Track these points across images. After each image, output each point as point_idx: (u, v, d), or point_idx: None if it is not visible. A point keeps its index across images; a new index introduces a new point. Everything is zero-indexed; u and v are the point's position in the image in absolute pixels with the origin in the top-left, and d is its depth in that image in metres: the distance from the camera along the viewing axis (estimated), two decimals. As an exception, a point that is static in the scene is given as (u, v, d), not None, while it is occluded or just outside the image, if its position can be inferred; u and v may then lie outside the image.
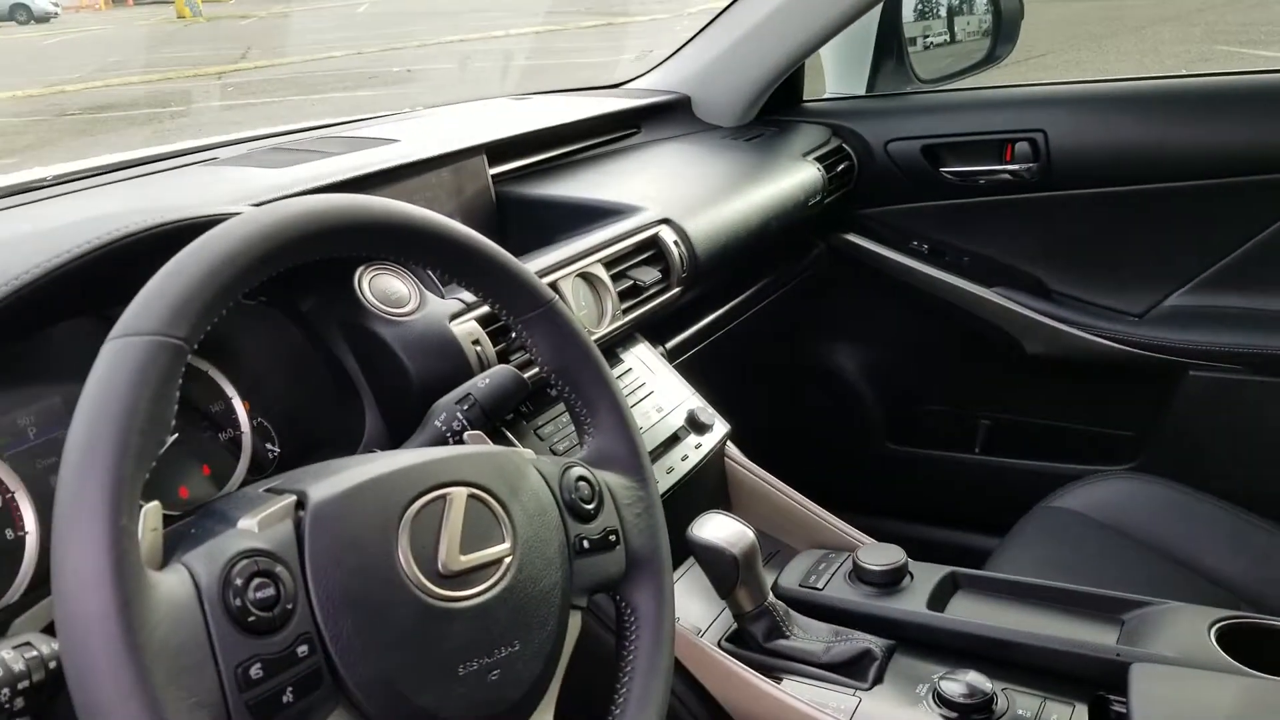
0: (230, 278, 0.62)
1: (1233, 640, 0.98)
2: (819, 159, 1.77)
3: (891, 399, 2.06)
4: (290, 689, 0.58)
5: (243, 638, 0.57)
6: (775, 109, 1.92)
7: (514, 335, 0.93)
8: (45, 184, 1.19)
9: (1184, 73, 1.80)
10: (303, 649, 0.59)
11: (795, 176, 1.69)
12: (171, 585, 0.56)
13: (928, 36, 2.02)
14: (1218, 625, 1.00)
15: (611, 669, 0.80)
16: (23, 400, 0.84)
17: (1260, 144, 1.65)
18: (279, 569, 0.60)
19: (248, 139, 1.42)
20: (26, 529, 0.81)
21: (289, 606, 0.59)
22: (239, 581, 0.58)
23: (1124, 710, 0.92)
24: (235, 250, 0.62)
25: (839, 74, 2.03)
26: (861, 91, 2.02)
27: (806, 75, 1.99)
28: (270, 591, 0.59)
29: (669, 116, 1.84)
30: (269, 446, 0.98)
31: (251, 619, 0.57)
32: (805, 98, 2.01)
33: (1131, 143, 1.73)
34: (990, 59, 1.96)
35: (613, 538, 0.80)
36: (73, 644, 0.53)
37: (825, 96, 2.04)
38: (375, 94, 8.51)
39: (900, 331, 2.02)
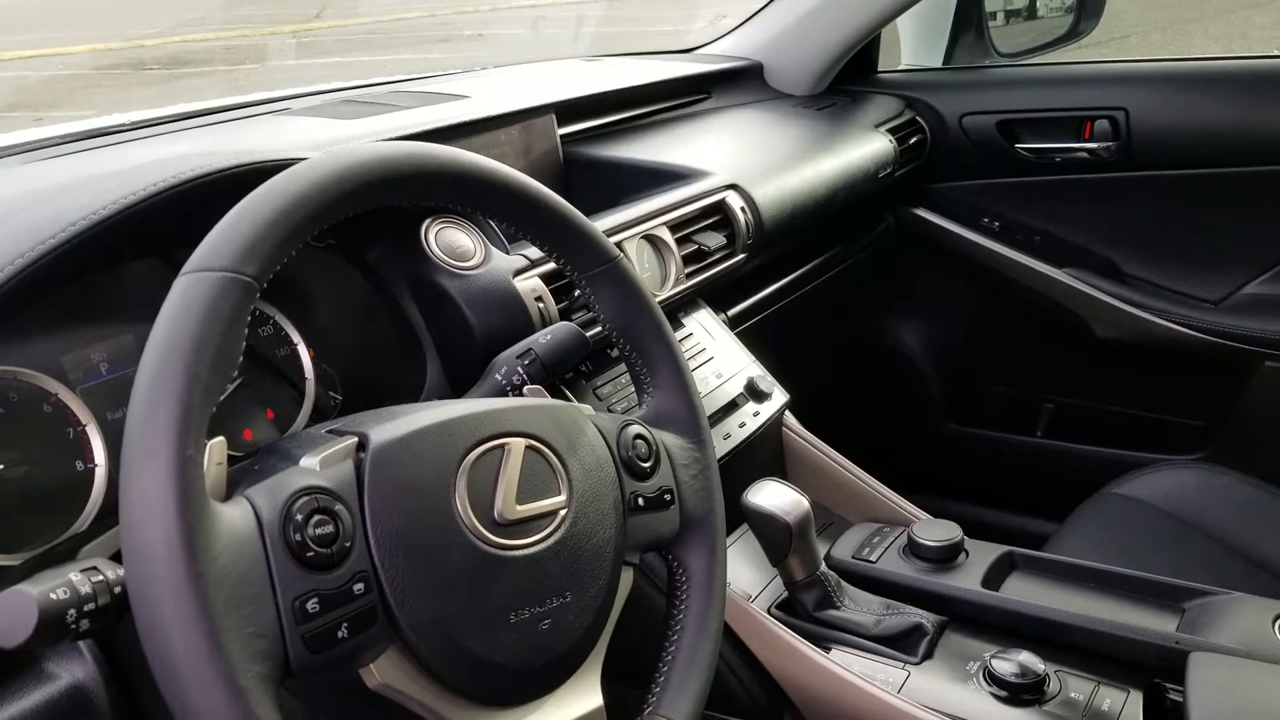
0: (301, 219, 0.62)
1: None
2: (891, 131, 1.74)
3: (954, 378, 2.03)
4: (345, 625, 0.59)
5: (301, 572, 0.58)
6: (849, 79, 1.89)
7: (577, 292, 0.93)
8: (122, 129, 1.21)
9: (1273, 53, 1.73)
10: (359, 587, 0.60)
11: (866, 147, 1.66)
12: (234, 517, 0.57)
13: (1009, 9, 1.97)
14: None
15: (661, 630, 0.80)
16: (96, 337, 0.86)
17: None
18: (338, 507, 0.61)
19: (319, 92, 1.44)
20: (96, 461, 0.83)
21: (347, 545, 0.60)
22: (299, 517, 0.59)
23: (1180, 699, 0.90)
24: (307, 192, 0.63)
25: (916, 45, 2.00)
26: (938, 64, 1.98)
27: (882, 46, 1.96)
28: (329, 529, 0.60)
29: (740, 83, 1.82)
30: (332, 394, 1.00)
31: (310, 554, 0.58)
32: (880, 69, 1.98)
33: (1215, 124, 1.68)
34: (1072, 35, 1.91)
35: (668, 497, 0.80)
36: (137, 568, 0.54)
37: (900, 68, 2.01)
38: (446, 56, 8.54)
39: (966, 310, 1.99)
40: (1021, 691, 0.94)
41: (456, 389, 0.99)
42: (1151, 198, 1.76)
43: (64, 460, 0.82)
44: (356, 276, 1.02)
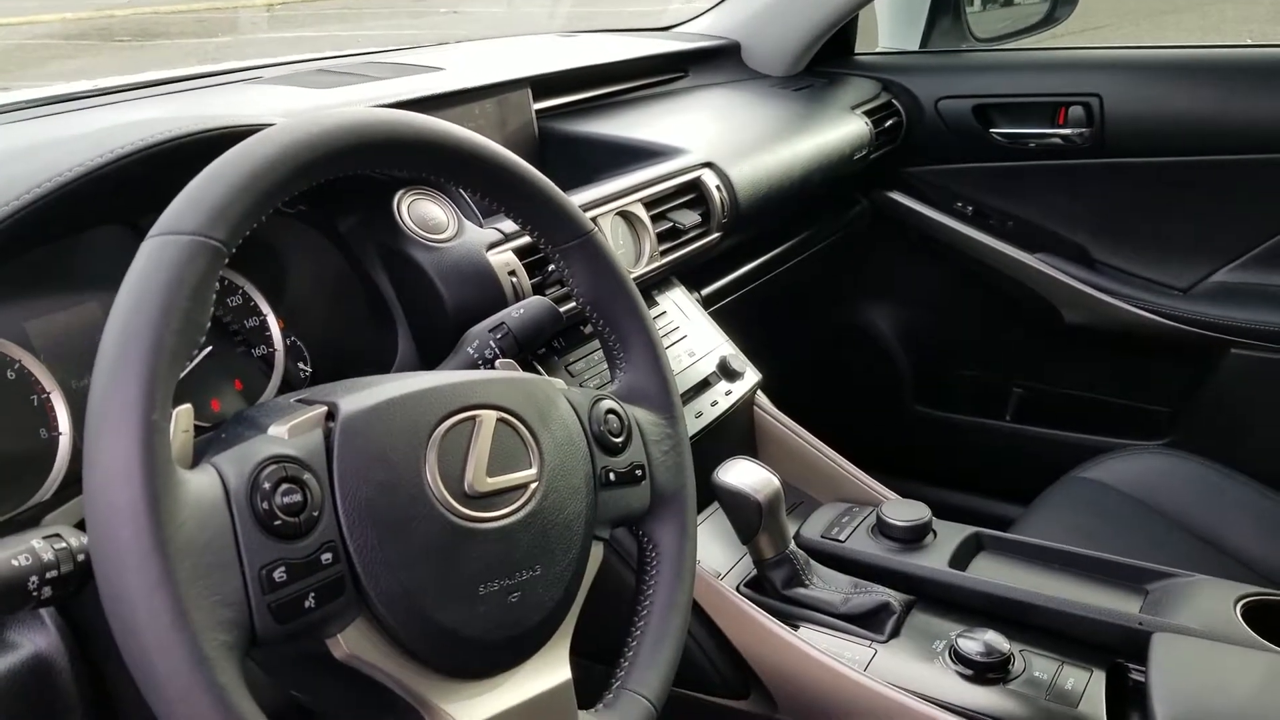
0: (272, 184, 0.61)
1: (1259, 616, 0.97)
2: (867, 113, 1.74)
3: (924, 361, 2.04)
4: (312, 594, 0.59)
5: (268, 541, 0.57)
6: (826, 60, 1.89)
7: (551, 266, 0.92)
8: (88, 95, 1.19)
9: (1247, 43, 1.75)
10: (326, 556, 0.59)
11: (842, 129, 1.66)
12: (200, 484, 0.57)
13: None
14: (1244, 600, 0.99)
15: (630, 607, 0.80)
16: (60, 304, 0.84)
17: None
18: (306, 476, 0.60)
19: (291, 62, 1.42)
20: (61, 430, 0.82)
21: (315, 514, 0.60)
22: (266, 485, 0.58)
23: (1143, 679, 0.91)
24: (277, 156, 0.62)
25: (893, 28, 2.00)
26: (915, 47, 1.98)
27: (860, 29, 1.96)
28: (297, 498, 0.59)
29: (717, 62, 1.81)
30: (301, 366, 0.99)
31: (277, 523, 0.58)
32: (857, 51, 1.98)
33: (1189, 112, 1.69)
34: (1049, 20, 1.92)
35: (639, 472, 0.79)
36: (101, 535, 0.53)
37: (878, 50, 2.01)
38: (419, 31, 8.46)
39: (938, 293, 2.00)
40: (986, 670, 0.95)
41: (427, 362, 0.99)
42: (1123, 185, 1.77)
43: (27, 428, 0.81)
44: (328, 247, 1.01)
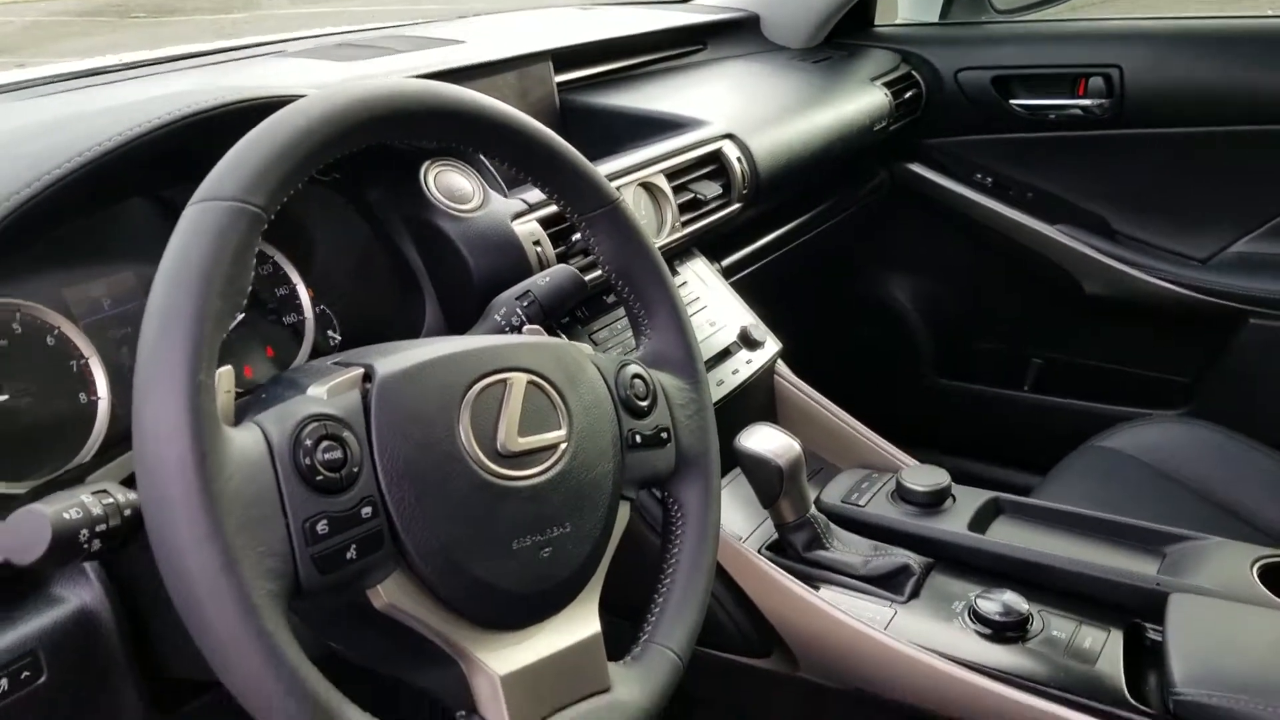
0: (308, 151, 0.63)
1: (1275, 578, 0.98)
2: (887, 85, 1.76)
3: (944, 332, 2.07)
4: (353, 547, 0.61)
5: (311, 495, 0.60)
6: (845, 33, 1.92)
7: (576, 235, 0.93)
8: (112, 69, 1.21)
9: (1267, 13, 1.75)
10: (366, 510, 0.62)
11: (861, 101, 1.68)
12: (245, 441, 0.59)
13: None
14: (1261, 562, 1.01)
15: (656, 568, 0.82)
16: (97, 273, 0.86)
17: None
18: (346, 434, 0.62)
19: (312, 36, 1.44)
20: (99, 394, 0.84)
21: (354, 470, 0.62)
22: (308, 442, 0.60)
23: (1160, 638, 0.93)
24: (314, 125, 0.64)
25: (913, 0, 2.00)
26: (935, 19, 2.00)
27: (880, 1, 1.96)
28: (338, 454, 0.61)
29: (736, 34, 1.83)
30: (330, 334, 1.01)
31: (319, 478, 0.60)
32: (876, 23, 2.00)
33: (1208, 83, 1.70)
34: (1068, -9, 1.92)
35: (664, 435, 0.81)
36: (151, 489, 0.55)
37: (897, 22, 2.03)
38: (440, 6, 8.46)
39: (958, 265, 2.02)
40: (1005, 630, 0.97)
41: (454, 330, 1.01)
42: (1143, 155, 1.78)
43: (68, 392, 0.83)
44: (356, 218, 1.03)
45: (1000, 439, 1.97)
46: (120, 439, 0.84)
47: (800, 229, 1.68)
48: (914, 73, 1.86)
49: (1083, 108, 1.77)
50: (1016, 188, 1.87)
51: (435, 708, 0.70)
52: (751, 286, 1.45)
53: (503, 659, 0.68)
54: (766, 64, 1.76)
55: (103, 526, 0.60)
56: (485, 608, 0.67)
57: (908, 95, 1.81)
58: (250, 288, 0.61)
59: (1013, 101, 1.82)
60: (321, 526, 0.60)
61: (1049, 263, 1.84)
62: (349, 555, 0.61)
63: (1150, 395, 1.84)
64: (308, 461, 0.60)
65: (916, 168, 1.91)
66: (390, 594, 0.63)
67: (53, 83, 1.14)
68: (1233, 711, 0.85)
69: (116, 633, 0.78)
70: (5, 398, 0.79)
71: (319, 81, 1.09)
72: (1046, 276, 1.86)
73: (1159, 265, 1.77)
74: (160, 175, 0.86)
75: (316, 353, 0.99)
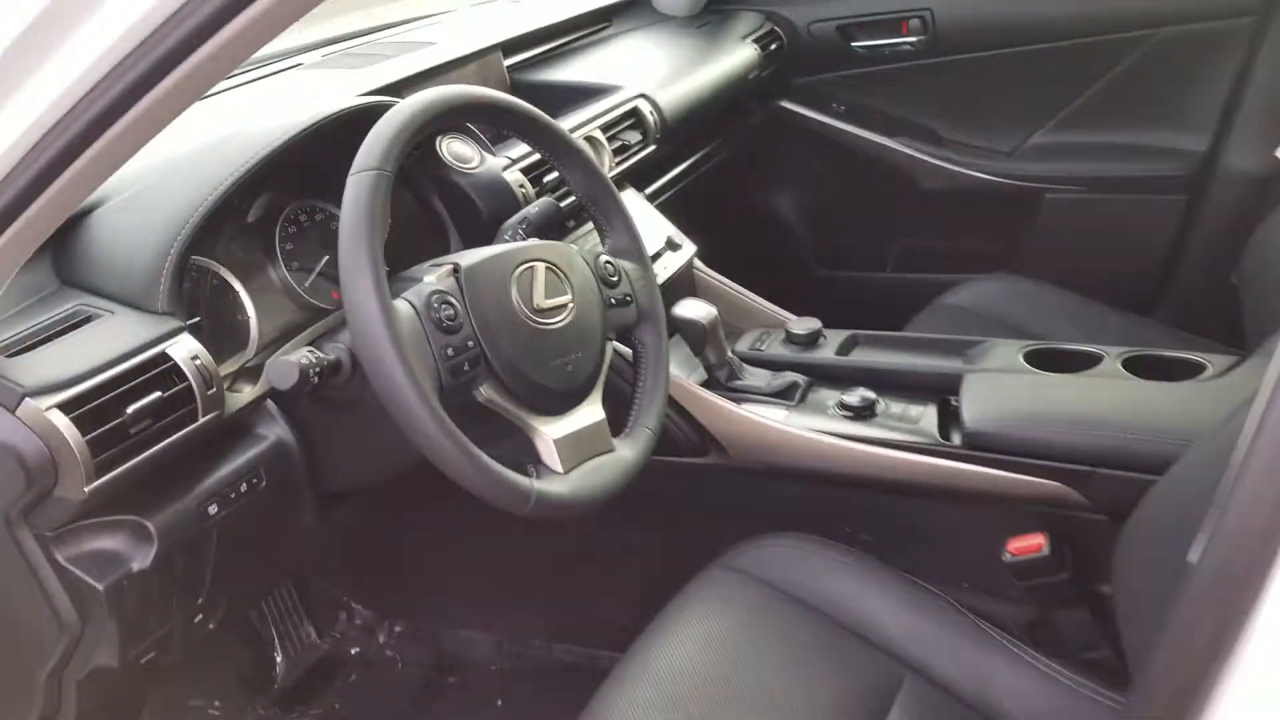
0: (412, 133, 1.07)
1: (1036, 358, 1.49)
2: (755, 40, 2.21)
3: (820, 231, 2.53)
4: (467, 363, 1.06)
5: (441, 335, 1.04)
6: (720, 0, 2.35)
7: (549, 175, 1.39)
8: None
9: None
10: (471, 342, 1.07)
11: (738, 55, 2.14)
12: (403, 308, 1.04)
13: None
14: (1025, 349, 1.51)
15: (633, 385, 1.29)
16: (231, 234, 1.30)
17: (1097, 13, 2.13)
18: (452, 299, 1.07)
19: (311, 46, 1.85)
20: (249, 314, 1.27)
21: (460, 321, 1.07)
22: (435, 305, 1.05)
23: (958, 404, 1.43)
24: (416, 115, 1.08)
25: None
26: (789, -19, 2.45)
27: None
28: (450, 311, 1.06)
29: (633, 10, 2.26)
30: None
31: (445, 324, 1.05)
32: (745, -13, 2.44)
33: (1002, 14, 2.19)
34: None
35: (628, 299, 1.27)
36: (363, 341, 0.99)
37: (760, -13, 2.47)
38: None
39: (826, 177, 2.48)
40: (861, 412, 1.46)
41: (474, 253, 1.45)
42: (956, 76, 2.26)
43: (233, 312, 1.27)
44: (400, 188, 1.46)
45: (871, 313, 2.46)
46: (271, 340, 1.28)
47: (700, 161, 2.14)
48: (776, 28, 2.29)
49: (909, 43, 2.24)
50: (864, 112, 2.33)
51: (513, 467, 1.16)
52: (670, 207, 1.91)
53: (553, 429, 1.13)
54: (661, 33, 2.20)
55: (317, 369, 1.05)
56: (539, 399, 1.13)
57: (772, 47, 2.25)
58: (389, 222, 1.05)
59: (854, 44, 2.28)
60: (449, 351, 1.04)
61: (894, 168, 2.30)
62: (465, 367, 1.06)
63: (979, 262, 2.31)
64: (436, 316, 1.04)
65: (786, 104, 2.36)
66: (487, 392, 1.09)
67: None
68: (998, 434, 1.35)
69: (299, 456, 1.23)
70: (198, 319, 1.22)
71: (357, 88, 1.50)
72: (895, 179, 2.32)
73: (976, 160, 2.25)
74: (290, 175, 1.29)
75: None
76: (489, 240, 1.38)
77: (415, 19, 2.06)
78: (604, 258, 1.27)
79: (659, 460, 1.28)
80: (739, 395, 1.55)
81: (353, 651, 1.94)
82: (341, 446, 1.25)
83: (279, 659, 1.86)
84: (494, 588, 1.87)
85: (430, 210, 1.47)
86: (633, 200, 1.78)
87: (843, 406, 1.48)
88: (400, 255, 1.42)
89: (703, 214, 1.99)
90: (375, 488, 1.37)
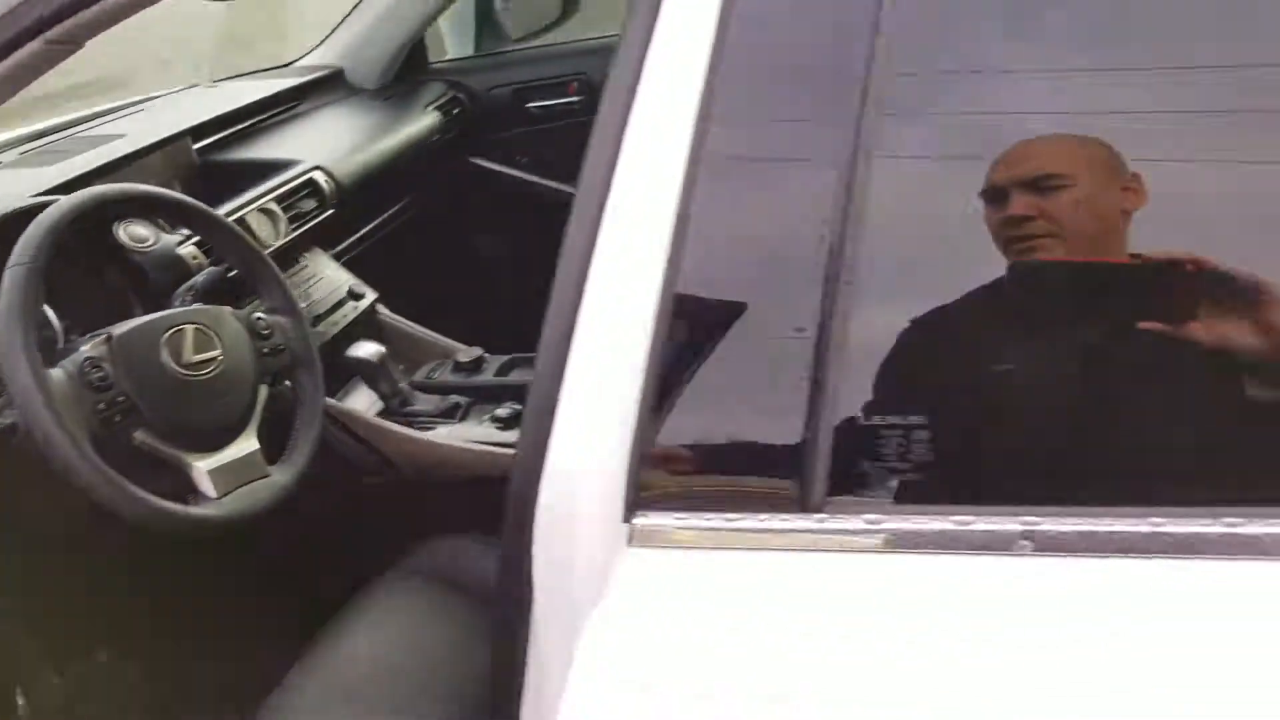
0: (60, 231, 1.30)
1: None
2: (439, 107, 2.48)
3: (516, 269, 2.68)
4: (118, 415, 1.27)
5: (92, 393, 1.25)
6: (408, 72, 2.59)
7: (214, 254, 1.63)
8: None
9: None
10: (121, 397, 1.28)
11: (422, 122, 2.41)
12: (56, 375, 1.25)
13: (506, 4, 2.72)
14: None
15: (290, 420, 1.53)
16: None
17: None
18: (103, 363, 1.29)
19: (10, 143, 2.01)
20: None
21: (111, 380, 1.28)
22: (86, 369, 1.27)
23: None
24: (65, 214, 1.31)
25: (453, 40, 2.75)
26: (470, 52, 2.74)
27: (430, 44, 2.68)
28: (101, 373, 1.27)
29: (326, 85, 2.48)
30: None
31: (96, 384, 1.26)
32: (431, 60, 2.70)
33: None
34: (561, 19, 2.70)
35: (281, 348, 1.52)
36: (20, 404, 1.22)
37: (445, 59, 2.75)
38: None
39: (516, 221, 2.70)
40: (510, 421, 1.75)
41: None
42: None
43: None
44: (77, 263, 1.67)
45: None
46: None
47: (394, 216, 2.37)
48: (459, 95, 2.56)
49: (575, 102, 2.57)
50: (545, 163, 2.62)
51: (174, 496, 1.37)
52: (369, 260, 2.16)
53: (207, 462, 1.35)
54: (348, 106, 2.43)
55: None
56: (193, 439, 1.36)
57: (455, 111, 2.53)
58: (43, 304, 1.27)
59: (529, 105, 2.59)
60: (100, 406, 1.26)
61: (569, 210, 2.62)
62: (116, 419, 1.28)
63: None
64: (88, 379, 1.26)
65: (475, 160, 2.64)
66: (141, 437, 1.30)
67: None
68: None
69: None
70: None
71: (45, 182, 1.67)
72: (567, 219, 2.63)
73: None
74: None
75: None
76: (164, 306, 1.60)
77: (121, 106, 2.24)
78: (256, 315, 1.51)
79: (343, 485, 1.53)
80: (409, 419, 1.81)
81: None
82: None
83: None
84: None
85: (114, 283, 1.68)
86: (316, 259, 2.03)
87: (494, 419, 1.77)
88: (93, 318, 1.63)
89: (400, 263, 2.25)
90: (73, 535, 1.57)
